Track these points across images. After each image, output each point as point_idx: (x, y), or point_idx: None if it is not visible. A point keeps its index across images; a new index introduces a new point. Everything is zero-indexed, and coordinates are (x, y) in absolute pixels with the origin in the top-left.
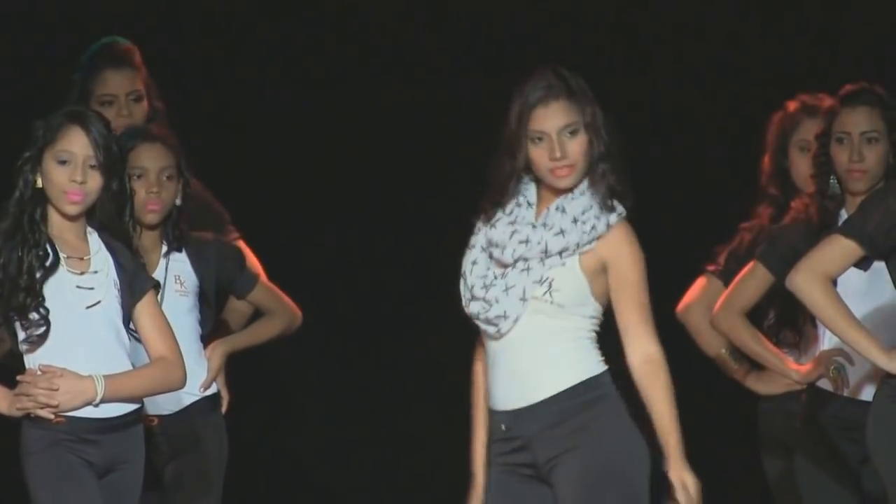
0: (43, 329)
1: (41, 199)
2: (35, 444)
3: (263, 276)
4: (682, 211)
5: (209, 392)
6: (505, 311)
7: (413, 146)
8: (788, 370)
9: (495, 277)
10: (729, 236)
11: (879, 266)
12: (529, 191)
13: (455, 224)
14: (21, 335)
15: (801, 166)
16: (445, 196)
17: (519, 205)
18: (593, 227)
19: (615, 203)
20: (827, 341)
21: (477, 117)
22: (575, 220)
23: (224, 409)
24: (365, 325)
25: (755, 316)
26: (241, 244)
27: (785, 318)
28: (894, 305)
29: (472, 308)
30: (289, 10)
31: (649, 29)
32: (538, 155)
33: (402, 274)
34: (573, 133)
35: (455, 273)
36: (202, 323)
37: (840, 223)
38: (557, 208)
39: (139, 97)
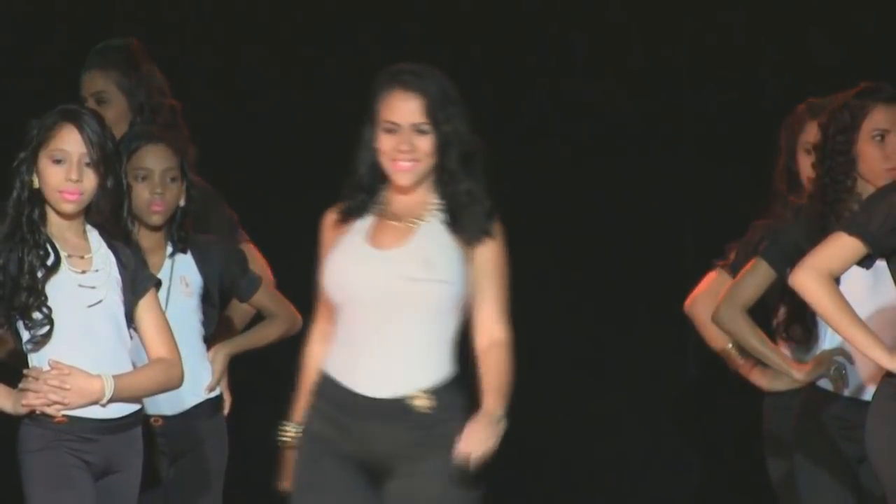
0: (47, 328)
1: (39, 199)
2: (33, 443)
3: (267, 281)
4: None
5: (212, 394)
6: None
7: None
8: (789, 368)
9: None
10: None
11: (883, 265)
12: None
13: None
14: (25, 335)
15: (807, 168)
16: None
17: None
18: None
19: None
20: (828, 341)
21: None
22: None
23: (226, 411)
24: None
25: (765, 312)
26: (252, 247)
27: (794, 314)
28: None
29: None
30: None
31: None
32: None
33: None
34: None
35: None
36: (206, 324)
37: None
38: None
39: (101, 99)
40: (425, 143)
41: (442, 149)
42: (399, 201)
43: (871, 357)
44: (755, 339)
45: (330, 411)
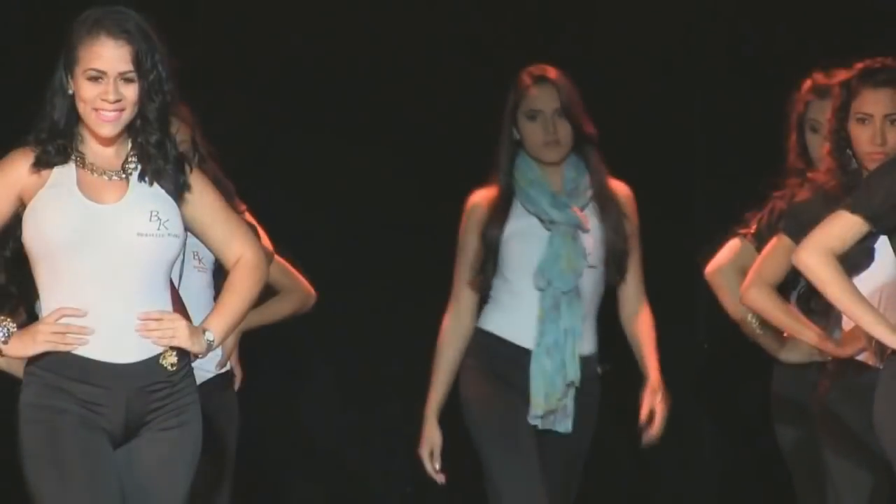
0: None
1: None
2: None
3: (274, 255)
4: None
5: (223, 370)
6: None
7: (422, 129)
8: (826, 344)
9: None
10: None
11: (885, 240)
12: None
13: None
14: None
15: (814, 145)
16: (451, 168)
17: None
18: None
19: None
20: None
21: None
22: None
23: (237, 386)
24: (379, 297)
25: (785, 285)
26: (249, 217)
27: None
28: None
29: None
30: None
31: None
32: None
33: (414, 245)
34: None
35: None
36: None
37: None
38: None
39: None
40: (132, 92)
41: (144, 97)
42: (96, 151)
43: (876, 335)
44: (787, 317)
45: None
